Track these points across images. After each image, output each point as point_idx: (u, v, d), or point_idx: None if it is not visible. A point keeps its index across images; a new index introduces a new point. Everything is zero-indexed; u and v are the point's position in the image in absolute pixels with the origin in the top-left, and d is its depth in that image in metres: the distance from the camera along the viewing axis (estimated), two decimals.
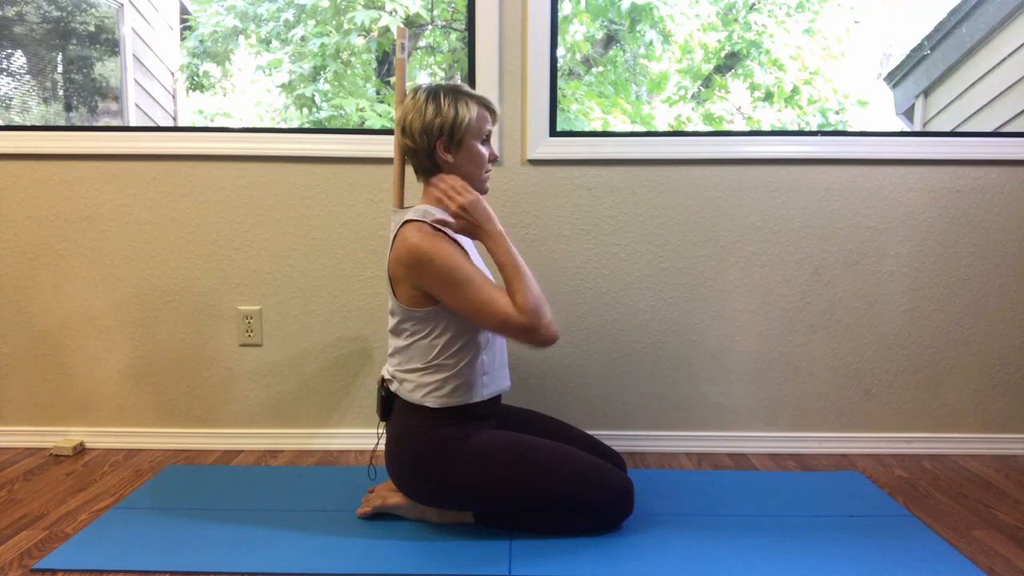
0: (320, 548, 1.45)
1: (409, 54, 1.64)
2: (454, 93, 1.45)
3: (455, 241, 1.43)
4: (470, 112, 1.44)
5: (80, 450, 2.04)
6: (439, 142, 1.44)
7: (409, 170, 1.57)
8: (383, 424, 1.58)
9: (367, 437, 2.05)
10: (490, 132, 1.51)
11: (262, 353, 2.05)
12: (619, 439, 2.04)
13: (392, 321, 1.51)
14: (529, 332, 1.36)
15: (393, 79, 5.21)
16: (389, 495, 1.58)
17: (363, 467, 1.90)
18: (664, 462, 1.98)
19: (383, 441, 1.60)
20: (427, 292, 1.42)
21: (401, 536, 1.50)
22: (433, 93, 1.45)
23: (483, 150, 1.49)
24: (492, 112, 1.51)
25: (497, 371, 1.55)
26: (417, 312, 1.44)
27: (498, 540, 1.48)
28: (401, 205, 1.60)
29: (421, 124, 1.43)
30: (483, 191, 1.53)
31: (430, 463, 1.46)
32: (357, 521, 1.57)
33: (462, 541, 1.48)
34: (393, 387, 1.53)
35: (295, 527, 1.54)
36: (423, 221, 1.43)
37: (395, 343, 1.52)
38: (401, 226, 1.45)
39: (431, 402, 1.47)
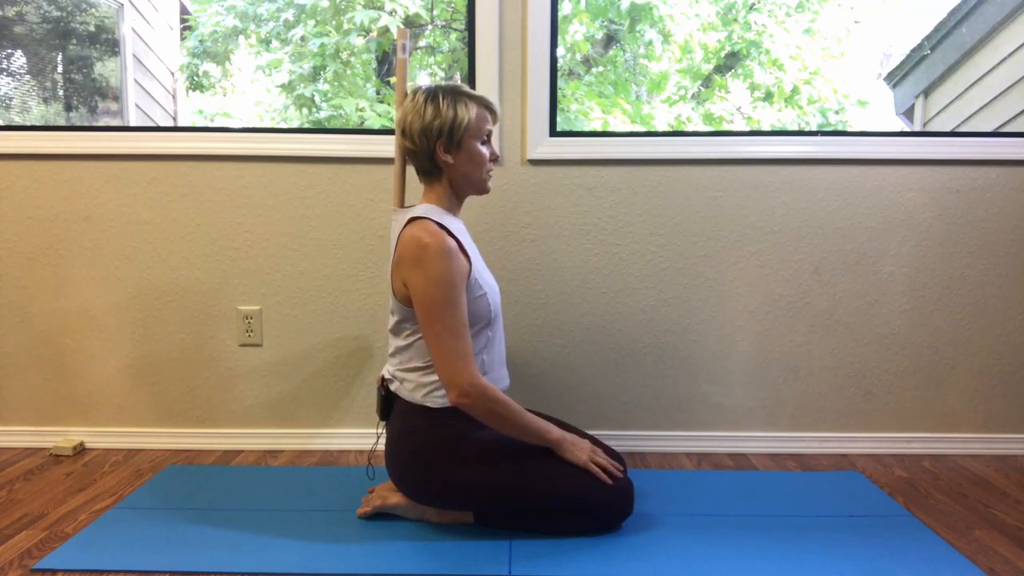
0: (320, 548, 1.45)
1: (409, 54, 1.64)
2: (453, 94, 1.45)
3: (460, 245, 1.43)
4: (469, 113, 1.44)
5: (80, 450, 2.04)
6: (439, 143, 1.44)
7: (410, 170, 1.57)
8: (383, 424, 1.58)
9: (367, 437, 2.05)
10: (490, 132, 1.51)
11: (262, 353, 2.05)
12: (619, 439, 2.04)
13: (392, 320, 1.51)
14: (450, 391, 1.41)
15: (393, 79, 5.22)
16: (389, 495, 1.58)
17: (363, 467, 1.90)
18: (664, 462, 1.98)
19: (383, 441, 1.60)
20: (408, 290, 1.42)
21: (401, 536, 1.50)
22: (432, 94, 1.45)
23: (483, 150, 1.49)
24: (492, 112, 1.50)
25: (496, 371, 1.55)
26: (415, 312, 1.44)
27: (498, 540, 1.48)
28: (402, 205, 1.60)
29: (421, 125, 1.44)
30: (484, 191, 1.53)
31: (430, 463, 1.46)
32: (357, 521, 1.57)
33: (462, 541, 1.48)
34: (393, 387, 1.53)
35: (295, 527, 1.54)
36: (428, 219, 1.43)
37: (395, 343, 1.52)
38: (406, 224, 1.45)
39: (431, 402, 1.47)
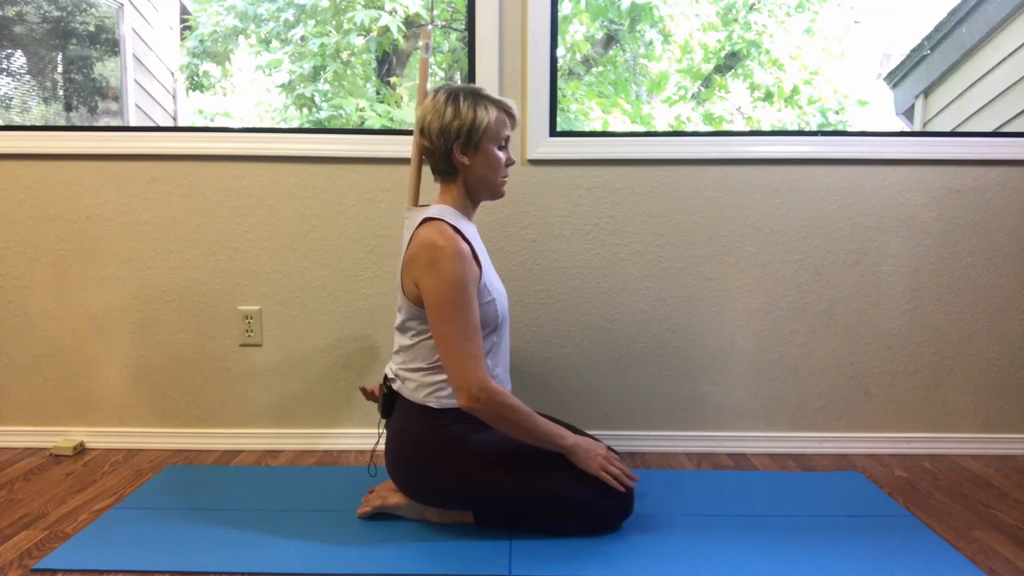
0: (320, 548, 1.45)
1: (431, 53, 1.64)
2: (474, 96, 1.45)
3: (473, 251, 1.43)
4: (489, 116, 1.44)
5: (80, 450, 2.04)
6: (456, 144, 1.44)
7: (426, 169, 1.57)
8: (383, 423, 1.58)
9: (367, 437, 2.05)
10: (508, 137, 1.50)
11: (262, 353, 2.05)
12: (619, 439, 2.04)
13: (399, 318, 1.51)
14: (460, 395, 1.39)
15: (393, 79, 5.21)
16: (389, 495, 1.58)
17: (363, 467, 1.90)
18: (664, 462, 1.98)
19: (383, 440, 1.60)
20: (420, 291, 1.42)
21: (401, 536, 1.50)
22: (453, 95, 1.45)
23: (500, 155, 1.49)
24: (511, 117, 1.50)
25: (500, 376, 1.55)
26: (423, 312, 1.44)
27: (498, 540, 1.48)
28: (416, 203, 1.60)
29: (439, 125, 1.43)
30: (499, 195, 1.53)
31: (430, 463, 1.46)
32: (357, 521, 1.57)
33: (462, 541, 1.48)
34: (396, 385, 1.53)
35: (295, 527, 1.54)
36: (443, 221, 1.43)
37: (400, 341, 1.52)
38: (420, 224, 1.44)
39: (433, 402, 1.47)
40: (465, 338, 1.38)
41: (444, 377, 1.46)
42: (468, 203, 1.52)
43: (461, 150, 1.45)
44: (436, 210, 1.46)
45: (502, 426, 1.43)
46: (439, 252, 1.37)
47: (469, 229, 1.49)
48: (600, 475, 1.45)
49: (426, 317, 1.44)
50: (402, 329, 1.51)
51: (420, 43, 1.63)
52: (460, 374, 1.39)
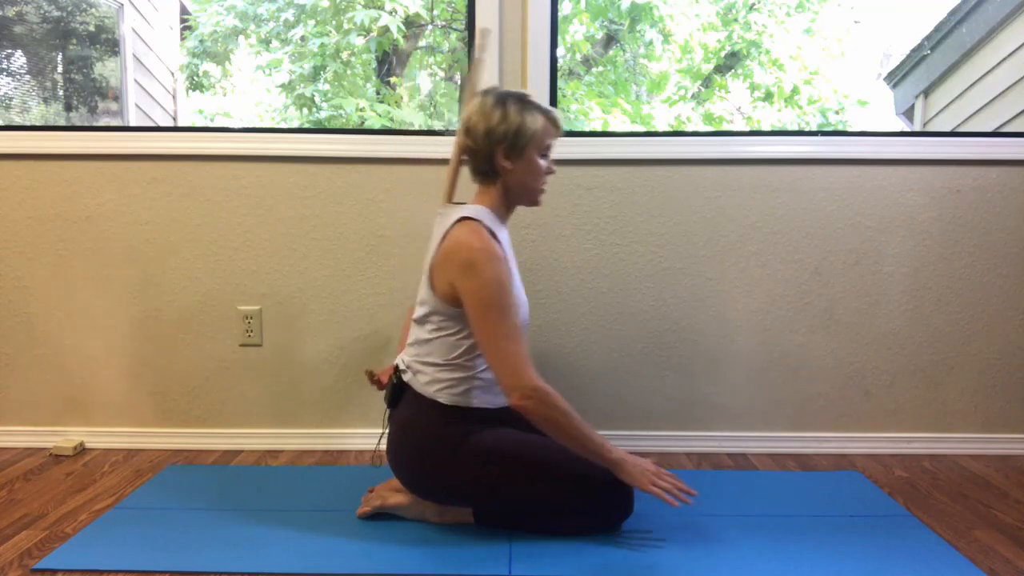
0: (320, 548, 1.45)
1: (482, 51, 1.66)
2: (522, 102, 1.45)
3: (504, 255, 1.43)
4: (536, 123, 1.44)
5: (80, 450, 2.04)
6: (500, 148, 1.44)
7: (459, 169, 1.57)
8: (387, 414, 1.57)
9: (367, 437, 2.05)
10: (551, 146, 1.50)
11: (262, 353, 2.05)
12: (619, 439, 2.04)
13: (420, 311, 1.51)
14: (511, 395, 1.38)
15: (393, 79, 5.21)
16: (389, 495, 1.58)
17: (363, 467, 1.90)
18: (664, 462, 1.98)
19: (384, 439, 1.60)
20: (457, 295, 1.41)
21: (401, 536, 1.50)
22: (501, 98, 1.44)
23: (542, 163, 1.48)
24: (557, 127, 1.50)
25: None
26: (449, 309, 1.44)
27: (498, 540, 1.48)
28: (451, 201, 1.60)
29: (485, 127, 1.43)
30: (536, 203, 1.53)
31: (433, 457, 1.46)
32: (357, 521, 1.57)
33: (462, 541, 1.48)
34: (406, 377, 1.52)
35: (295, 527, 1.54)
36: (480, 222, 1.43)
37: (418, 333, 1.51)
38: (457, 222, 1.44)
39: (444, 398, 1.47)
40: (510, 338, 1.38)
41: (459, 375, 1.46)
42: (504, 207, 1.52)
43: (505, 154, 1.44)
44: (472, 210, 1.45)
45: (548, 429, 1.41)
46: (475, 254, 1.37)
47: (503, 234, 1.48)
48: (652, 491, 1.42)
49: (450, 314, 1.44)
50: (421, 322, 1.50)
51: (476, 42, 1.64)
52: (511, 374, 1.38)
